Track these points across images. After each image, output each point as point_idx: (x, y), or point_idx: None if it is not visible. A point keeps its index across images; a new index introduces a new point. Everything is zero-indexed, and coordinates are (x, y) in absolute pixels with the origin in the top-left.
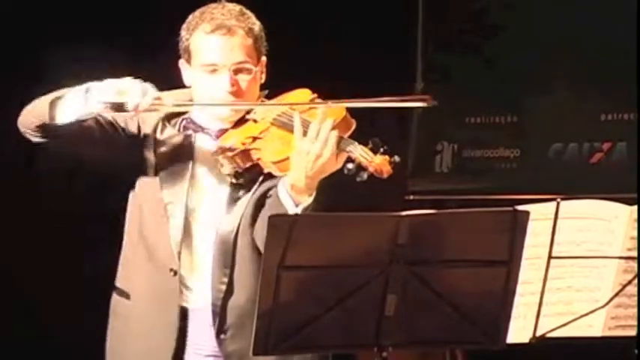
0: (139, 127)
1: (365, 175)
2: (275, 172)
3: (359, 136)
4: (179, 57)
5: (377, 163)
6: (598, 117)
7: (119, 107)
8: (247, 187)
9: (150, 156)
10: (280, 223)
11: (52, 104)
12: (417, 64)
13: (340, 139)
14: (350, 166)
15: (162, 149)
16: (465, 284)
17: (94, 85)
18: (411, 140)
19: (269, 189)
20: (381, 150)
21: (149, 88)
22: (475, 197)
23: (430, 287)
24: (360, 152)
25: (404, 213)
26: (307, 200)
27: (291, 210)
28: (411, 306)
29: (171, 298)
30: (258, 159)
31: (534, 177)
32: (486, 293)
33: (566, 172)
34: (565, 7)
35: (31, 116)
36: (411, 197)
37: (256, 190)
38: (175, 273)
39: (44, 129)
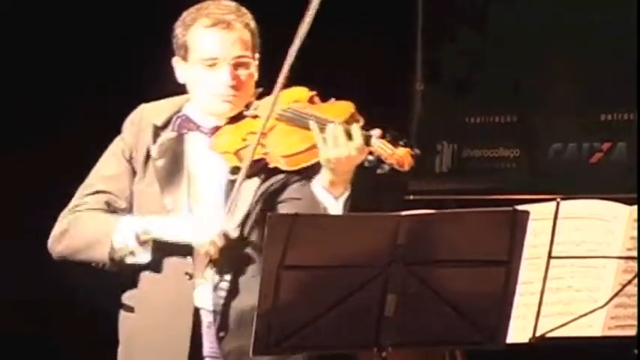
0: (130, 150)
1: (386, 167)
2: (283, 167)
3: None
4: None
5: (399, 155)
6: (598, 117)
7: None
8: (248, 183)
9: (146, 168)
10: (280, 222)
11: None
12: (416, 64)
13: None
14: (370, 158)
15: (158, 156)
16: (465, 284)
17: (152, 226)
18: (411, 140)
19: (272, 185)
20: (401, 143)
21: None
22: (475, 197)
23: (430, 287)
24: (379, 145)
25: (403, 213)
26: (346, 192)
27: (333, 205)
28: (410, 306)
29: (186, 303)
30: (265, 154)
31: (534, 177)
32: (486, 293)
33: (566, 172)
34: (565, 7)
35: (89, 258)
36: (411, 197)
37: (259, 187)
38: (191, 277)
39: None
